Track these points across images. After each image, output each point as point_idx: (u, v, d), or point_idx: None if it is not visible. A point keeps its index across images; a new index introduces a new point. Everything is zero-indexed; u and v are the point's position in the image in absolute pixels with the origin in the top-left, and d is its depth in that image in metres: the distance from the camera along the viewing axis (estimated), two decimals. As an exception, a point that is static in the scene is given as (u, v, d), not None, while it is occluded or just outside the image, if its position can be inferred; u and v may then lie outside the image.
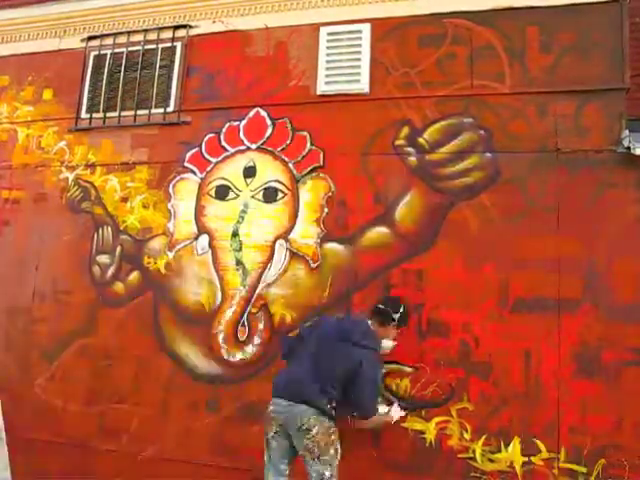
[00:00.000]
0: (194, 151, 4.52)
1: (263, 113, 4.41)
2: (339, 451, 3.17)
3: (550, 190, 3.69)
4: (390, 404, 3.60)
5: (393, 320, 3.39)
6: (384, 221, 3.96)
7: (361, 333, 3.26)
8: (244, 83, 4.51)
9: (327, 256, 4.03)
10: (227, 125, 4.47)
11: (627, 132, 3.61)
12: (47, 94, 5.08)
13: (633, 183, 3.58)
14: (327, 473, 3.06)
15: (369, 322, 3.39)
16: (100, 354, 4.40)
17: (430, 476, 3.60)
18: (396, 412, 3.52)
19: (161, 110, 4.66)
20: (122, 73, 4.83)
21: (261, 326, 4.08)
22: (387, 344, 3.45)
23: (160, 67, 4.73)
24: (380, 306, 3.45)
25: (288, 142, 4.29)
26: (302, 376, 3.16)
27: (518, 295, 3.63)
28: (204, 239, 4.35)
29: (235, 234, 4.27)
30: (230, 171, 4.39)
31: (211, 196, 4.41)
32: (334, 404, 3.18)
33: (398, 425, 3.66)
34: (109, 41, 4.93)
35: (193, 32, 4.71)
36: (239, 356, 4.09)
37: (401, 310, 3.43)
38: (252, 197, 4.30)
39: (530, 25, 3.91)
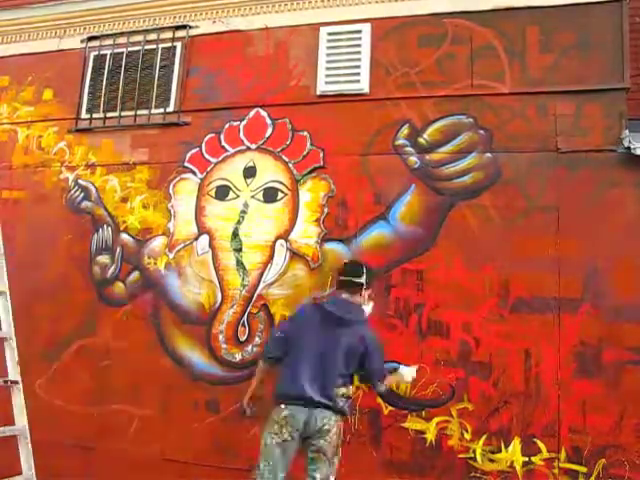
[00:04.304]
0: (194, 151, 4.52)
1: (263, 113, 4.41)
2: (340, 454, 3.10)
3: (550, 190, 3.70)
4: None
5: (361, 286, 3.11)
6: (384, 221, 3.97)
7: (348, 312, 3.07)
8: (244, 83, 4.51)
9: (327, 256, 4.04)
10: (227, 125, 4.48)
11: (627, 132, 3.61)
12: (47, 94, 5.08)
13: (633, 183, 3.58)
14: (332, 478, 2.97)
15: (343, 296, 3.14)
16: (100, 354, 4.40)
17: (430, 476, 3.60)
18: (407, 372, 3.29)
19: (161, 110, 4.66)
20: (122, 73, 4.82)
21: (261, 326, 4.08)
22: (367, 309, 3.21)
23: (160, 67, 4.73)
24: (343, 279, 3.18)
25: (288, 142, 4.30)
26: (314, 375, 2.97)
27: (518, 295, 3.63)
28: (204, 239, 4.35)
29: (235, 234, 4.27)
30: (230, 171, 4.40)
31: (211, 196, 4.41)
32: (349, 395, 3.08)
33: (398, 425, 3.67)
34: (109, 41, 4.93)
35: (193, 32, 4.71)
36: (239, 356, 4.10)
37: (364, 271, 3.14)
38: (252, 197, 4.30)
39: (530, 25, 3.91)
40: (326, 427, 2.93)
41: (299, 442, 2.97)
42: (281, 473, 2.93)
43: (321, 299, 3.19)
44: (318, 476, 2.93)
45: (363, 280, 3.10)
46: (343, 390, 3.02)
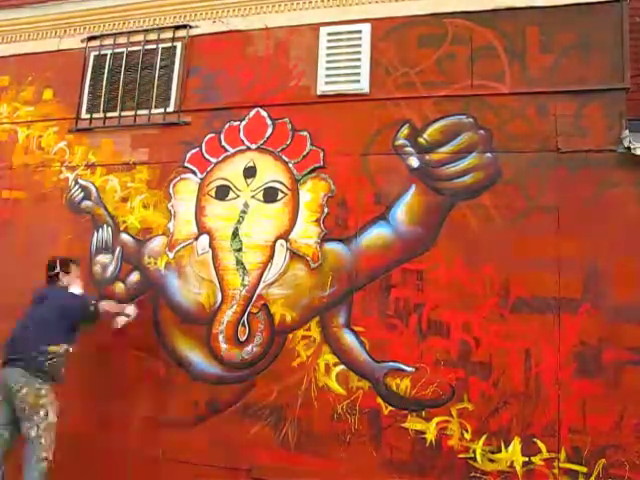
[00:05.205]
0: (194, 151, 4.52)
1: (263, 113, 4.41)
2: (50, 414, 3.51)
3: (550, 190, 3.70)
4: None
5: (58, 274, 3.97)
6: (384, 221, 3.97)
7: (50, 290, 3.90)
8: (244, 83, 4.51)
9: (327, 256, 4.04)
10: (227, 125, 4.48)
11: (627, 132, 3.61)
12: (47, 94, 5.08)
13: (633, 183, 3.59)
14: (32, 433, 3.43)
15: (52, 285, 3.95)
16: (100, 354, 4.40)
17: (430, 476, 3.60)
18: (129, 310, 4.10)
19: (161, 110, 4.66)
20: (122, 73, 4.83)
21: (261, 326, 4.08)
22: (75, 290, 3.96)
23: (160, 67, 4.73)
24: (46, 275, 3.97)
25: (288, 142, 4.30)
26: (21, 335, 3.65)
27: (518, 295, 3.63)
28: (204, 239, 4.35)
29: (235, 234, 4.27)
30: (230, 171, 4.40)
31: (211, 196, 4.41)
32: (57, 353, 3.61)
33: (398, 425, 3.68)
34: (109, 41, 4.94)
35: (193, 32, 4.72)
36: (239, 356, 4.10)
37: (57, 264, 3.97)
38: (252, 197, 4.30)
39: (530, 25, 3.92)
40: (15, 388, 3.44)
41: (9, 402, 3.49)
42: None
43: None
44: (23, 432, 3.47)
45: (57, 270, 3.96)
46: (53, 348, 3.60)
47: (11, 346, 3.62)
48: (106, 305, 4.04)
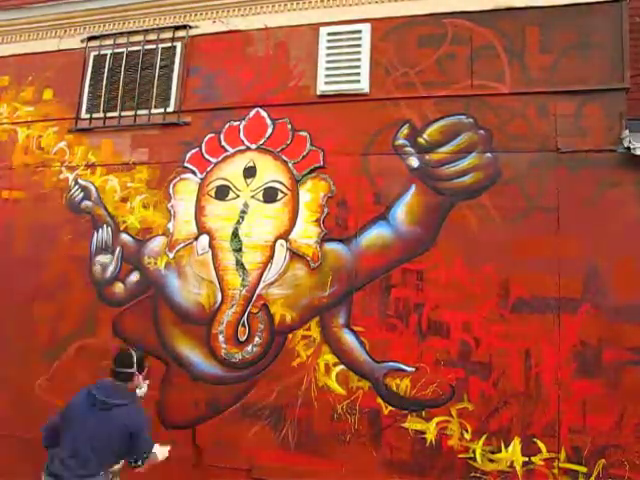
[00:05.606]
0: (194, 151, 4.52)
1: (263, 113, 4.41)
2: None
3: (550, 190, 3.70)
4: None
5: (133, 374, 3.10)
6: (384, 221, 3.97)
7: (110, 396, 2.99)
8: (244, 83, 4.51)
9: (327, 256, 4.04)
10: (227, 125, 4.48)
11: (627, 132, 3.61)
12: (47, 94, 5.08)
13: (633, 183, 3.59)
14: None
15: (116, 383, 3.08)
16: (100, 354, 4.39)
17: (430, 476, 3.60)
18: (160, 451, 3.30)
19: (161, 110, 4.66)
20: (122, 73, 4.83)
21: (261, 326, 4.08)
22: (140, 391, 3.21)
23: (160, 67, 4.73)
24: (115, 369, 3.10)
25: (288, 142, 4.30)
26: (69, 455, 2.91)
27: (518, 295, 3.63)
28: (204, 239, 4.35)
29: (235, 234, 4.27)
30: (230, 171, 4.40)
31: (211, 196, 4.41)
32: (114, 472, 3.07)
33: (398, 425, 3.68)
34: (109, 41, 4.93)
35: (193, 32, 4.71)
36: (239, 356, 4.10)
37: (134, 361, 3.12)
38: (252, 197, 4.30)
39: (530, 25, 3.92)
40: None
41: None
42: None
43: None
44: None
45: (134, 370, 3.09)
46: (114, 468, 3.05)
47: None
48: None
